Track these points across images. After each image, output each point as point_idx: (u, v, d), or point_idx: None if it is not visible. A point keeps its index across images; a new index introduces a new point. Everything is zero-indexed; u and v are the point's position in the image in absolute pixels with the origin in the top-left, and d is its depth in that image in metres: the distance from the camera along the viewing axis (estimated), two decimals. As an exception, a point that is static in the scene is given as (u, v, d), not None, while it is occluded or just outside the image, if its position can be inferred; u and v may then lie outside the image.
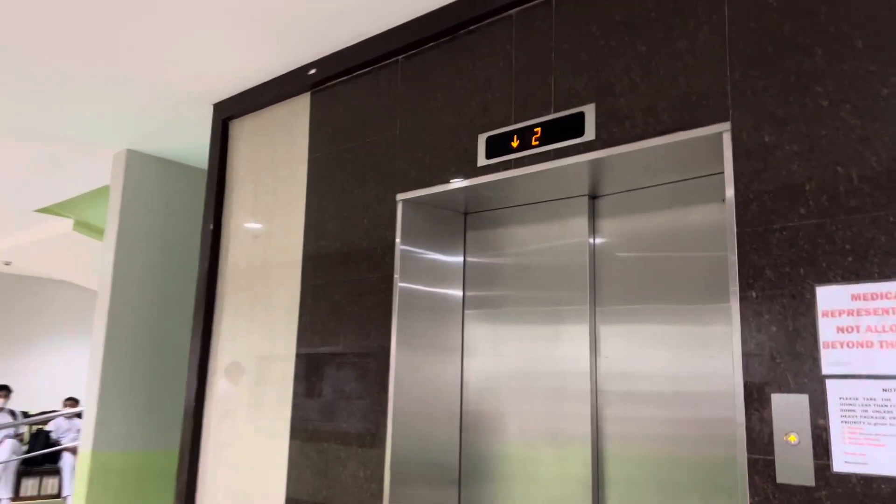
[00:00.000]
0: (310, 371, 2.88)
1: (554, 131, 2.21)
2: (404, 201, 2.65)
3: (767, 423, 1.69)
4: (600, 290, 2.42)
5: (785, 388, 1.67)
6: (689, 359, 2.18)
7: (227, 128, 3.57)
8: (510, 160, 2.32)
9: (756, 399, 1.71)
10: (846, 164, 1.65)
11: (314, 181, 3.04)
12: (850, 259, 1.62)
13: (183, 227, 4.44)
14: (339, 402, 2.73)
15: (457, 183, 2.46)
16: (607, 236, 2.44)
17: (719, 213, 2.16)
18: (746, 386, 1.73)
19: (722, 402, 2.08)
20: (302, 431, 2.85)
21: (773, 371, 1.69)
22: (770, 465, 1.67)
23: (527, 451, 2.51)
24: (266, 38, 2.93)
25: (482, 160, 2.40)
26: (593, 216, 2.48)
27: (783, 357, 1.68)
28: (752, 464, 1.70)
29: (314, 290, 2.93)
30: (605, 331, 2.39)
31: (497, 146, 2.35)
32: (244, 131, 3.49)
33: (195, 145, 4.14)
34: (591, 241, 2.46)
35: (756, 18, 1.85)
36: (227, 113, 3.53)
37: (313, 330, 2.89)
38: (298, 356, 2.94)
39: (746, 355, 1.74)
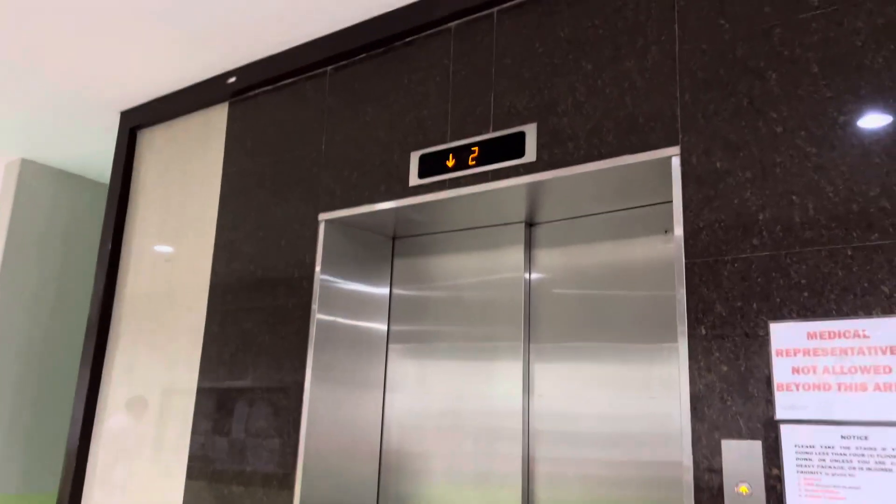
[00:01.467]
0: (213, 406, 2.58)
1: (493, 151, 2.06)
2: (327, 221, 2.43)
3: (717, 471, 1.54)
4: (535, 325, 2.26)
5: (736, 434, 1.53)
6: (628, 399, 2.04)
7: (135, 138, 3.28)
8: (444, 180, 2.15)
9: (705, 445, 1.57)
10: (802, 193, 1.56)
11: (228, 198, 2.78)
12: (805, 294, 1.51)
13: (82, 246, 4.05)
14: (245, 441, 2.44)
15: (386, 203, 2.27)
16: (544, 269, 2.29)
17: (662, 247, 2.05)
18: (695, 430, 1.58)
19: (661, 444, 1.94)
20: (201, 472, 2.54)
21: (723, 415, 1.56)
22: (720, 518, 1.52)
23: (452, 493, 2.29)
24: (182, 42, 2.69)
25: (414, 179, 2.22)
26: (530, 245, 2.33)
27: (734, 399, 1.55)
28: (700, 517, 1.54)
29: (222, 317, 2.65)
30: (539, 369, 2.22)
31: (431, 165, 2.18)
32: (154, 142, 3.20)
33: (99, 156, 3.80)
34: (527, 274, 2.30)
35: (708, 40, 1.76)
36: (136, 122, 3.23)
37: (219, 361, 2.61)
38: (200, 389, 2.64)
39: (695, 397, 1.60)
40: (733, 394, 1.55)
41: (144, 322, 2.95)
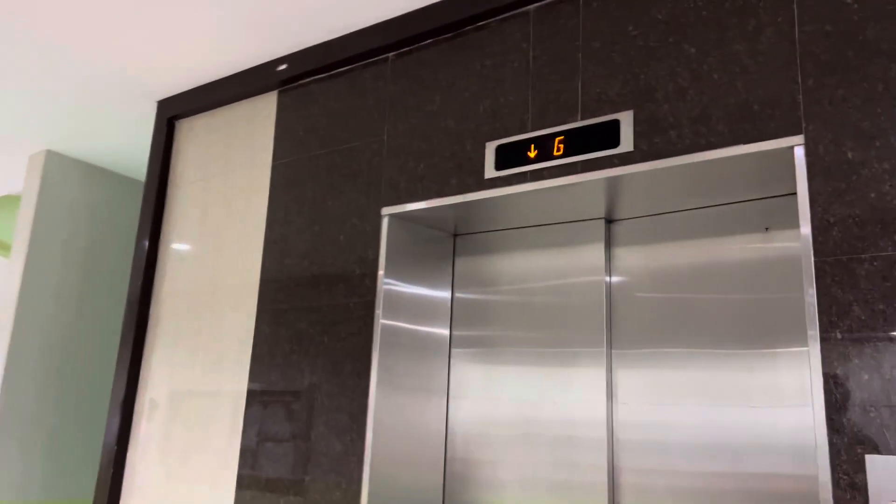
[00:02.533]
0: (265, 411, 2.44)
1: (582, 140, 1.92)
2: (391, 216, 2.29)
3: (861, 490, 1.40)
4: (617, 330, 2.12)
5: (884, 449, 1.40)
6: (722, 408, 1.90)
7: (173, 128, 3.13)
8: (526, 172, 2.01)
9: (845, 460, 1.43)
10: (953, 185, 1.42)
11: (279, 190, 2.64)
12: (961, 296, 1.38)
13: (110, 243, 3.90)
14: (304, 447, 2.30)
15: (458, 197, 2.13)
16: (626, 270, 2.15)
17: (761, 246, 1.92)
18: (832, 444, 1.45)
19: (761, 455, 1.81)
20: (253, 481, 2.40)
21: (867, 427, 1.42)
22: (865, 541, 1.38)
23: (526, 502, 2.15)
24: (227, 26, 2.55)
25: (490, 171, 2.08)
26: (609, 244, 2.20)
27: (878, 411, 1.41)
28: (840, 539, 1.41)
29: (273, 317, 2.51)
30: (623, 375, 2.08)
31: (510, 156, 2.04)
32: (193, 133, 3.05)
33: (131, 149, 3.65)
34: (608, 276, 2.16)
35: (832, 21, 1.62)
36: (175, 111, 3.09)
37: (271, 363, 2.47)
38: (251, 392, 2.50)
39: (831, 407, 1.46)
40: (877, 404, 1.42)
41: (185, 322, 2.81)
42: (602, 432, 2.05)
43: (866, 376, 1.44)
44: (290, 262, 2.52)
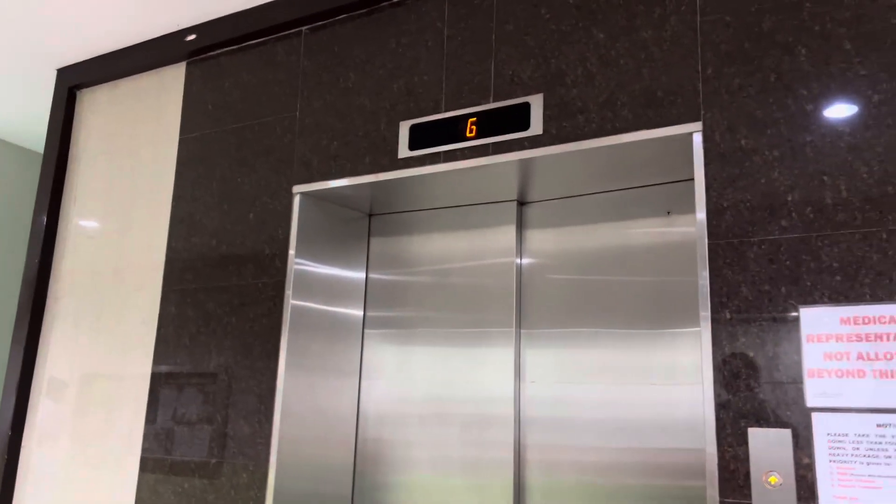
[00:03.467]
0: (170, 393, 2.36)
1: (494, 122, 1.93)
2: (303, 195, 2.25)
3: (744, 461, 1.48)
4: (526, 311, 2.15)
5: (764, 422, 1.48)
6: (625, 386, 1.96)
7: (75, 98, 2.97)
8: (439, 153, 2.01)
9: (730, 433, 1.50)
10: (834, 174, 1.50)
11: (187, 166, 2.54)
12: (838, 278, 1.46)
13: (5, 220, 3.68)
14: (208, 430, 2.25)
15: (372, 176, 2.11)
16: (537, 252, 2.18)
17: (664, 230, 1.98)
18: (719, 418, 1.52)
19: (660, 431, 1.88)
20: (157, 463, 2.33)
21: (749, 402, 1.50)
22: (747, 509, 1.46)
23: (437, 481, 2.17)
24: (137, -10, 2.43)
25: (404, 151, 2.06)
26: (521, 226, 2.22)
27: (762, 386, 1.49)
28: (725, 508, 1.48)
29: (180, 297, 2.43)
30: (531, 354, 2.12)
31: (424, 136, 2.03)
32: (97, 104, 2.91)
33: (29, 119, 3.45)
34: (519, 258, 2.19)
35: (732, 12, 1.68)
36: (76, 80, 2.93)
37: (177, 344, 2.39)
38: (155, 375, 2.41)
39: (719, 383, 1.53)
40: (761, 381, 1.49)
41: (87, 301, 2.68)
42: (509, 410, 2.09)
43: (751, 353, 1.51)
44: (198, 240, 2.44)
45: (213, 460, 2.21)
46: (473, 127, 1.96)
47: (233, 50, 2.53)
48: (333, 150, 2.21)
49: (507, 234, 2.21)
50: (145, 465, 2.35)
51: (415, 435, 2.24)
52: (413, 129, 2.06)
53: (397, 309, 2.37)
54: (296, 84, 2.35)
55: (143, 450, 2.37)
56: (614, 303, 2.02)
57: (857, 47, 1.53)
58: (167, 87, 2.68)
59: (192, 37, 2.59)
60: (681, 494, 1.82)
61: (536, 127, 1.87)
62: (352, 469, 2.31)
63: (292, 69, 2.37)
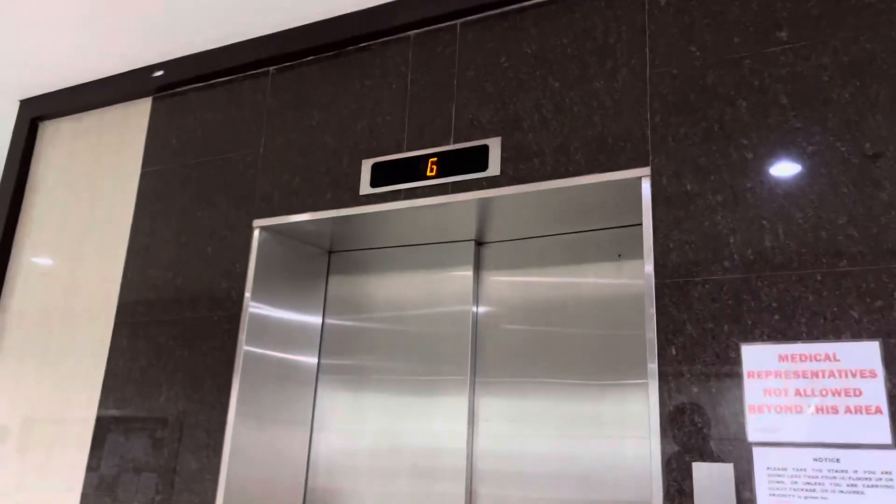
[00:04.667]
0: (116, 430, 2.30)
1: (453, 163, 1.99)
2: (262, 228, 2.27)
3: (688, 495, 1.51)
4: (481, 360, 2.17)
5: (707, 457, 1.51)
6: (579, 438, 1.97)
7: (37, 130, 2.96)
8: (400, 190, 2.05)
9: (675, 468, 1.53)
10: (772, 219, 1.59)
11: (147, 199, 2.54)
12: (776, 317, 1.53)
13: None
14: (154, 464, 2.19)
15: (333, 212, 2.14)
16: (493, 300, 2.21)
17: (614, 280, 2.03)
18: (664, 453, 1.55)
19: (612, 482, 1.89)
20: (100, 499, 2.25)
21: (694, 437, 1.53)
22: (691, 544, 1.48)
23: (385, 531, 2.14)
24: (102, 27, 2.46)
25: (366, 188, 2.11)
26: (478, 266, 2.26)
27: (706, 421, 1.53)
28: (670, 543, 1.50)
29: (132, 330, 2.39)
30: (484, 405, 2.13)
31: (385, 174, 2.08)
32: (59, 136, 2.90)
33: (-14, 149, 3.40)
34: (475, 307, 2.21)
35: (678, 65, 1.79)
36: (39, 112, 2.93)
37: (128, 378, 2.34)
38: (102, 409, 2.35)
39: (665, 419, 1.57)
40: (705, 415, 1.53)
41: (35, 335, 2.62)
42: (462, 461, 2.08)
43: (696, 389, 1.56)
44: (154, 273, 2.42)
45: (158, 496, 2.15)
46: (434, 166, 2.01)
47: (199, 87, 2.57)
48: (295, 186, 2.24)
49: (465, 277, 2.24)
50: (86, 500, 2.27)
51: (366, 486, 2.21)
52: (375, 166, 2.11)
53: (353, 356, 2.35)
54: (260, 121, 2.39)
55: (85, 484, 2.29)
56: (568, 353, 2.05)
57: (792, 102, 1.63)
58: (132, 121, 2.70)
59: (160, 73, 2.63)
60: (629, 535, 1.83)
61: (494, 168, 1.94)
62: (301, 512, 2.26)
63: (257, 107, 2.41)
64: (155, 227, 2.48)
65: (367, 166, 2.13)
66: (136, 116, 2.70)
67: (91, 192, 2.70)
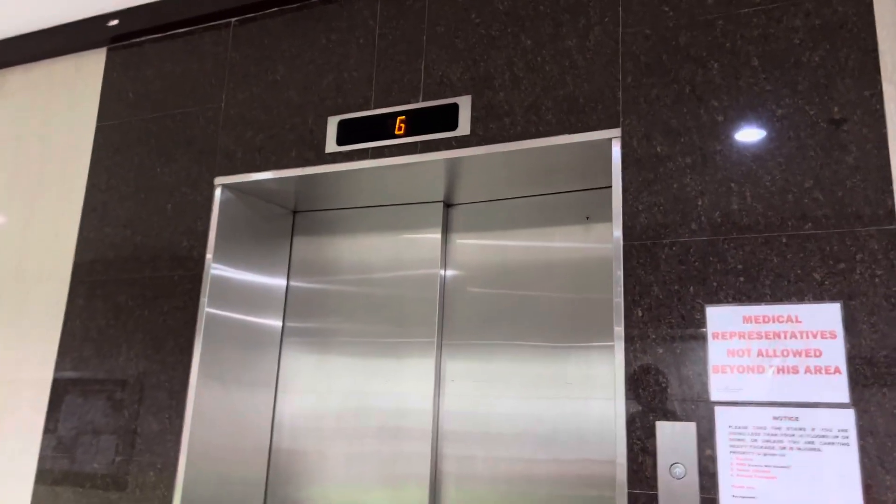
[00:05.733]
0: (73, 392, 2.25)
1: (422, 121, 1.95)
2: (224, 186, 2.20)
3: (651, 453, 1.53)
4: (448, 323, 2.16)
5: (671, 416, 1.54)
6: (543, 399, 1.99)
7: (-17, 79, 2.82)
8: (367, 149, 2.01)
9: (639, 426, 1.56)
10: (740, 181, 1.59)
11: (103, 154, 2.45)
12: (741, 279, 1.55)
13: None
14: (114, 426, 2.15)
15: (297, 170, 2.09)
16: (460, 264, 2.20)
17: (582, 244, 2.03)
18: (629, 412, 1.57)
19: (576, 442, 1.91)
20: (53, 472, 2.20)
21: (658, 396, 1.55)
22: (653, 500, 1.51)
23: (352, 494, 2.14)
24: (57, -31, 2.34)
25: (332, 146, 2.06)
26: (446, 229, 2.24)
27: (670, 381, 1.55)
28: (632, 499, 1.53)
29: (90, 290, 2.33)
30: (451, 367, 2.13)
31: (352, 132, 2.03)
32: (7, 87, 2.76)
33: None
34: (443, 270, 2.20)
35: (651, 25, 1.76)
36: (-15, 60, 2.78)
37: (84, 337, 2.28)
38: (59, 370, 2.29)
39: (630, 379, 1.58)
40: (669, 375, 1.55)
41: (-15, 293, 2.53)
42: (428, 422, 2.08)
43: (660, 350, 1.58)
44: (112, 230, 2.35)
45: (119, 458, 2.12)
46: (402, 125, 1.97)
47: (157, 38, 2.47)
48: (259, 143, 2.18)
49: (433, 240, 2.22)
50: (43, 476, 2.22)
51: (332, 447, 2.20)
52: (341, 124, 2.06)
53: (319, 319, 2.33)
54: (222, 75, 2.31)
55: (42, 447, 2.24)
56: (534, 316, 2.05)
57: (764, 64, 1.63)
58: (85, 72, 2.58)
59: (115, 22, 2.51)
60: None
61: (464, 127, 1.90)
62: (264, 480, 2.25)
63: (219, 60, 2.33)
64: (112, 184, 2.40)
65: (332, 123, 2.07)
66: (90, 67, 2.58)
67: (42, 147, 2.59)
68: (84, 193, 2.44)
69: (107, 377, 2.21)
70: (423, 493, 2.04)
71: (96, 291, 2.31)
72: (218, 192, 2.20)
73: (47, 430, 2.26)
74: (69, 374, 2.27)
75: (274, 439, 2.28)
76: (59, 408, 2.26)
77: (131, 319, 2.22)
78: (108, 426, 2.17)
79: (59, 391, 2.27)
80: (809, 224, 1.51)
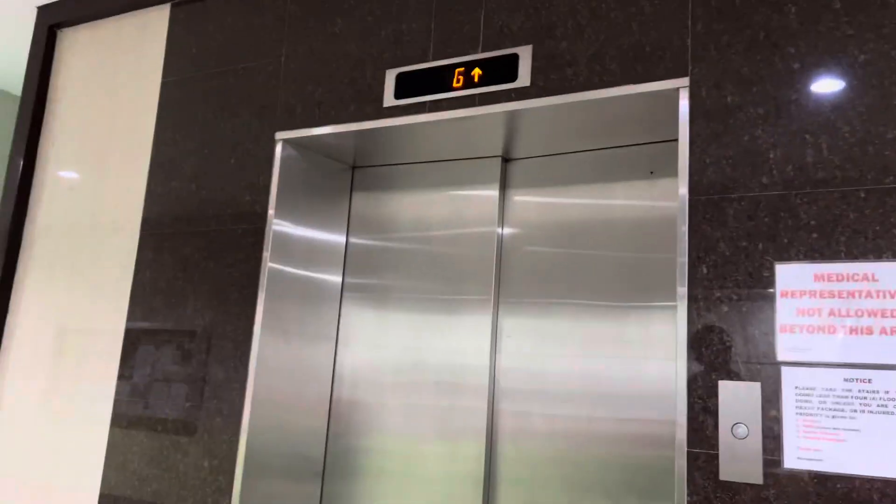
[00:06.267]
0: (145, 341, 2.35)
1: (481, 73, 1.91)
2: (285, 141, 2.22)
3: (713, 413, 1.50)
4: (506, 281, 2.14)
5: (735, 375, 1.49)
6: (601, 357, 1.96)
7: (55, 38, 2.90)
8: (425, 102, 1.99)
9: (701, 385, 1.52)
10: (816, 132, 1.51)
11: (168, 110, 2.50)
12: (814, 236, 1.48)
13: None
14: (183, 374, 2.24)
15: (356, 125, 2.08)
16: (518, 221, 2.16)
17: (645, 202, 1.97)
18: (690, 370, 1.54)
19: (635, 402, 1.89)
20: (128, 416, 2.32)
21: (722, 356, 1.51)
22: (713, 460, 1.48)
23: (408, 446, 2.18)
24: (121, -75, 2.36)
25: (390, 100, 2.04)
26: (504, 185, 2.21)
27: (734, 340, 1.51)
28: (692, 458, 1.50)
29: (158, 242, 2.40)
30: (508, 325, 2.12)
31: (410, 85, 2.01)
32: (77, 43, 2.84)
33: (7, 59, 3.36)
34: (500, 228, 2.17)
35: (724, -32, 1.67)
36: (57, 18, 2.86)
37: (154, 289, 2.37)
38: (131, 321, 2.39)
39: (693, 337, 1.55)
40: (734, 335, 1.51)
41: (63, 247, 2.64)
42: (484, 378, 2.09)
43: (725, 308, 1.53)
44: (177, 185, 2.41)
45: (188, 404, 2.21)
46: (461, 77, 1.94)
47: (218, -7, 2.48)
48: (318, 97, 2.18)
49: (490, 197, 2.19)
50: (117, 419, 2.34)
51: (390, 399, 2.24)
52: (399, 77, 2.04)
53: (377, 275, 2.34)
54: (281, 29, 2.31)
55: (116, 402, 2.36)
56: (593, 275, 2.01)
57: (846, 7, 1.52)
58: (150, 28, 2.63)
59: (177, -22, 2.53)
60: (652, 465, 1.84)
61: (524, 79, 1.86)
62: (325, 429, 2.31)
63: (278, 13, 2.33)
64: (177, 139, 2.45)
65: (391, 77, 2.05)
66: (154, 23, 2.62)
67: (112, 103, 2.67)
68: (151, 148, 2.50)
69: (175, 327, 2.29)
70: (480, 447, 2.06)
71: (164, 244, 2.38)
72: (279, 148, 2.22)
73: (121, 377, 2.37)
74: (140, 324, 2.37)
75: (335, 390, 2.34)
76: (132, 356, 2.36)
77: (197, 272, 2.29)
78: (177, 374, 2.26)
79: (132, 340, 2.37)
80: (891, 177, 1.43)
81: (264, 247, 2.17)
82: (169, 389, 2.27)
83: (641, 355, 1.91)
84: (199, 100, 2.43)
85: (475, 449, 2.07)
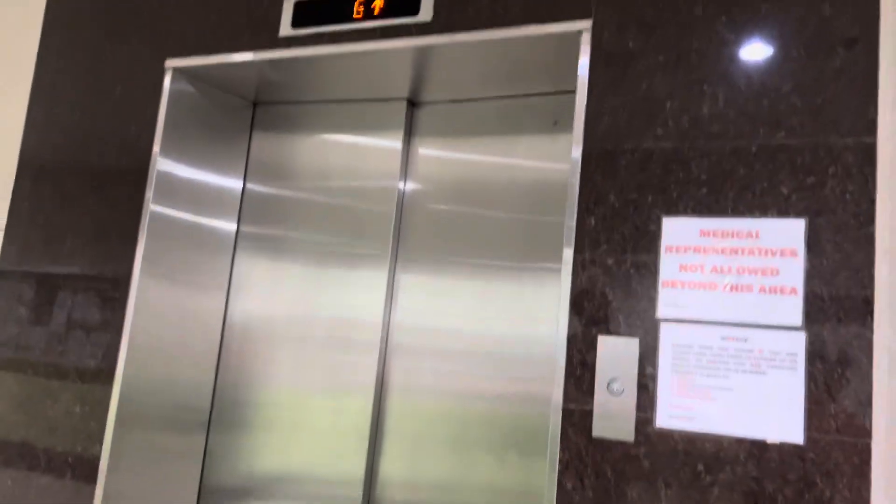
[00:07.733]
0: (18, 279, 2.18)
1: (382, 5, 1.79)
2: (176, 70, 2.06)
3: (590, 369, 1.45)
4: (405, 236, 2.05)
5: (614, 331, 1.44)
6: (496, 317, 1.89)
7: (-66, -54, 2.63)
8: (323, 33, 1.86)
9: (580, 339, 1.47)
10: (714, 83, 1.45)
11: (53, 32, 2.30)
12: (703, 191, 1.43)
13: None
14: (54, 324, 2.09)
15: (247, 55, 1.94)
16: (421, 176, 2.06)
17: (548, 152, 1.89)
18: (571, 324, 1.48)
19: (522, 361, 1.83)
20: (7, 362, 2.16)
21: (603, 310, 1.46)
22: (587, 416, 1.44)
23: (297, 399, 2.09)
24: None
25: (286, 29, 1.90)
26: (409, 132, 2.10)
27: (617, 295, 1.46)
28: (566, 414, 1.46)
29: (36, 174, 2.22)
30: (404, 281, 2.03)
31: (308, 14, 1.88)
32: (-41, -46, 2.58)
33: None
34: (402, 183, 2.07)
35: None
36: (-64, -76, 2.59)
37: (31, 223, 2.20)
38: (4, 255, 2.22)
39: (576, 290, 1.49)
40: (616, 289, 1.46)
41: (-65, 173, 2.43)
42: (377, 334, 2.00)
43: (610, 261, 1.47)
44: (60, 112, 2.22)
45: (60, 347, 2.06)
46: (361, 8, 1.81)
47: None
48: (212, 23, 2.02)
49: (394, 150, 2.08)
50: (-14, 351, 2.18)
51: (281, 351, 2.13)
52: (298, 5, 1.90)
53: (274, 225, 2.21)
54: (178, -52, 2.13)
55: (-15, 334, 2.19)
56: (493, 235, 1.93)
57: (753, -48, 1.46)
58: (38, -59, 2.40)
59: None
60: (535, 423, 1.79)
61: (426, 13, 1.75)
62: (213, 379, 2.19)
63: (175, -69, 2.14)
64: (62, 65, 2.26)
65: (288, 5, 1.91)
66: (43, -64, 2.40)
67: (-5, 22, 2.44)
68: (33, 73, 2.30)
69: (52, 266, 2.13)
70: (368, 402, 1.98)
71: (44, 176, 2.21)
72: (168, 77, 2.06)
73: (-5, 316, 2.20)
74: (13, 261, 2.19)
75: (224, 341, 2.22)
76: (2, 294, 2.19)
77: (77, 206, 2.13)
78: (50, 315, 2.11)
79: (5, 277, 2.20)
80: (783, 133, 1.38)
81: (147, 186, 2.02)
82: (41, 331, 2.12)
83: (533, 316, 1.85)
84: (87, 22, 2.24)
85: (363, 403, 1.99)
